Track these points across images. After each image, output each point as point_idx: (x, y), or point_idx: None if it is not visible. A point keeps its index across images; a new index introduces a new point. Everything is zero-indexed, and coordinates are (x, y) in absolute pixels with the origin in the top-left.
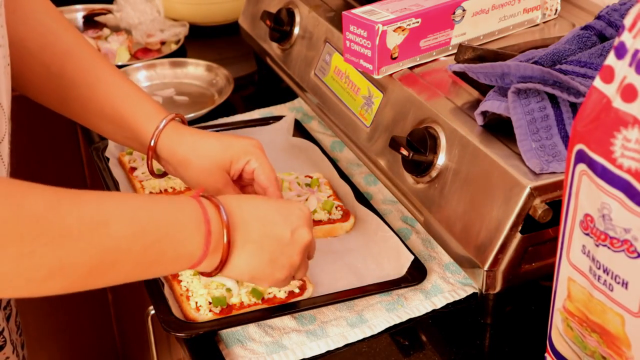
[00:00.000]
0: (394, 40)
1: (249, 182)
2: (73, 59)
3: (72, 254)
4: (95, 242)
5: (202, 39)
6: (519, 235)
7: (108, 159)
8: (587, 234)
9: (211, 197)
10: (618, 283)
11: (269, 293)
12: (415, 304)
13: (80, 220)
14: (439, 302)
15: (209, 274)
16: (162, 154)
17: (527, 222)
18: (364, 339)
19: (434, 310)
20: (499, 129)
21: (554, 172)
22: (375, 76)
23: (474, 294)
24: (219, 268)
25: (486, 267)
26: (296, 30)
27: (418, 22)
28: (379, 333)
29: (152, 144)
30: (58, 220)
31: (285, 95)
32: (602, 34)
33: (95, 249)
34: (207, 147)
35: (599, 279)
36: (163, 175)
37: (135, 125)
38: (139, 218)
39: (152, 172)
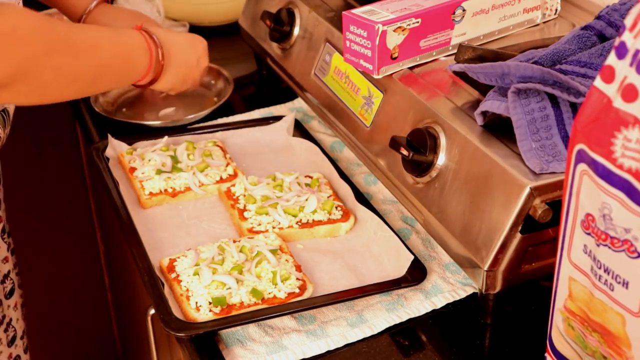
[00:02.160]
0: (394, 40)
1: None
2: None
3: (84, 65)
4: (97, 58)
5: None
6: (519, 235)
7: (108, 159)
8: (589, 234)
9: (150, 33)
10: (619, 283)
11: (269, 293)
12: (415, 304)
13: (86, 42)
14: (439, 302)
15: (144, 86)
16: None
17: (527, 222)
18: (364, 339)
19: (434, 310)
20: (499, 129)
21: (554, 172)
22: (375, 76)
23: (474, 294)
24: (152, 82)
25: (486, 267)
26: (296, 30)
27: (418, 22)
28: (379, 333)
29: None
30: (76, 39)
31: (285, 95)
32: (602, 34)
33: (96, 62)
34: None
35: (600, 278)
36: None
37: (67, 5)
38: (116, 43)
39: None
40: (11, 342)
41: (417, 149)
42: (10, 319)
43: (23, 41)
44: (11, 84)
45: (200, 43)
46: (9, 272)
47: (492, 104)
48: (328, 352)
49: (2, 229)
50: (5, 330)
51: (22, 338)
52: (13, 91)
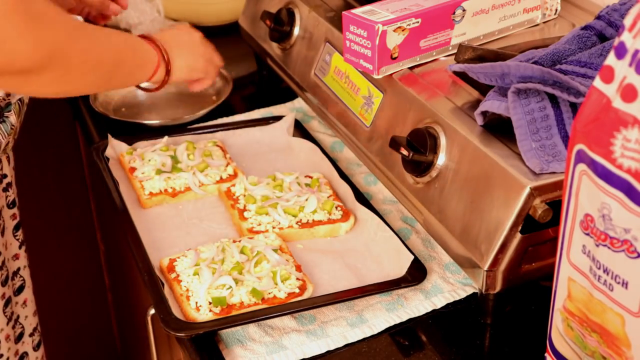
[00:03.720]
0: (394, 40)
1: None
2: None
3: (103, 51)
4: (113, 45)
5: None
6: (519, 235)
7: (108, 159)
8: (588, 234)
9: (142, 35)
10: (618, 283)
11: (269, 293)
12: (415, 304)
13: (98, 30)
14: (439, 302)
15: (164, 82)
16: None
17: (527, 222)
18: (364, 339)
19: (434, 310)
20: (499, 129)
21: (554, 172)
22: (375, 76)
23: (474, 294)
24: (168, 72)
25: (486, 267)
26: (296, 30)
27: (418, 22)
28: (379, 333)
29: None
30: (88, 27)
31: (285, 95)
32: (602, 34)
33: (113, 49)
34: None
35: (599, 279)
36: None
37: None
38: (123, 35)
39: None
40: (18, 339)
41: (417, 149)
42: (18, 316)
43: (51, 25)
44: (40, 70)
45: (180, 27)
46: (18, 269)
47: (492, 104)
48: (328, 352)
49: (14, 226)
50: (13, 327)
51: (31, 335)
52: (41, 78)
